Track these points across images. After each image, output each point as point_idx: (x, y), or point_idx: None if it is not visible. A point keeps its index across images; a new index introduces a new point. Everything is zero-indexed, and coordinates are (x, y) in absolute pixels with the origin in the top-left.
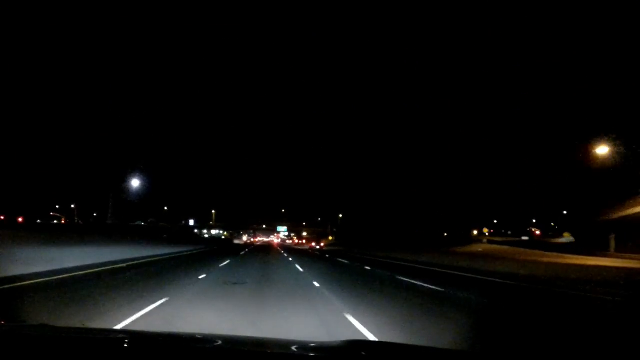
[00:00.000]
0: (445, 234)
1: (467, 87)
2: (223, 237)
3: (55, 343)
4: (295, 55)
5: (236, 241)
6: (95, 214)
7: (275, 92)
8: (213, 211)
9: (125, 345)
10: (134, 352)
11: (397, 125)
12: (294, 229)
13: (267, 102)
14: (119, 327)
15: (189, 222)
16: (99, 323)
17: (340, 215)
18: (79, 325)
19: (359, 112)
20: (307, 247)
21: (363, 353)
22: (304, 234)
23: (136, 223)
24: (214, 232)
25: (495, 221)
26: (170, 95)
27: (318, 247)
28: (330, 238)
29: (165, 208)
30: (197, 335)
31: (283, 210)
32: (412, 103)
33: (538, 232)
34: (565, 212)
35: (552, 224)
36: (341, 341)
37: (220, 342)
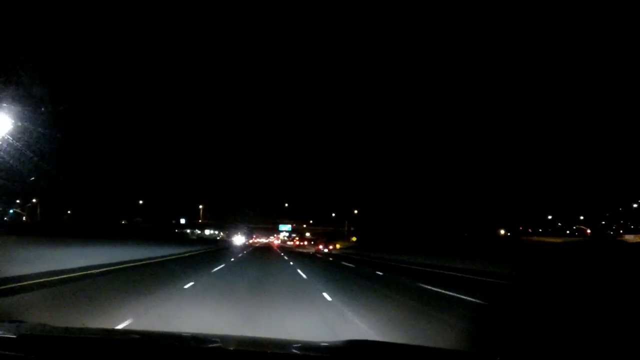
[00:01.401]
0: (465, 234)
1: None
2: (219, 238)
3: (55, 343)
4: (297, 44)
5: (234, 242)
6: (69, 211)
7: (276, 77)
8: (201, 206)
9: (125, 345)
10: (134, 351)
11: (416, 115)
12: (299, 228)
13: (268, 87)
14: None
15: (179, 221)
16: None
17: (356, 212)
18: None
19: (373, 99)
20: (312, 250)
21: (365, 353)
22: (307, 234)
23: (121, 222)
24: (207, 232)
25: (550, 216)
26: (159, 82)
27: (326, 249)
28: (354, 239)
29: (141, 202)
30: (197, 335)
31: (286, 205)
32: (433, 92)
33: (589, 230)
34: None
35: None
36: (343, 341)
37: (220, 342)
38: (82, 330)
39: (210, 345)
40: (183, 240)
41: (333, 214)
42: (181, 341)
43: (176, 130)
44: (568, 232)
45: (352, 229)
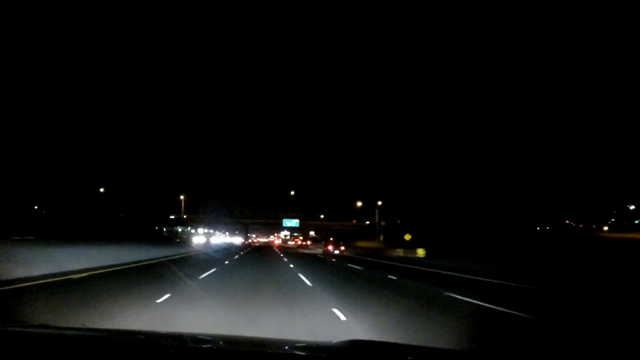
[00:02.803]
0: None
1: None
2: (211, 239)
3: (56, 343)
4: (314, 20)
5: (234, 242)
6: (37, 208)
7: (280, 51)
8: (182, 196)
9: (126, 345)
10: (134, 351)
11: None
12: (307, 224)
13: (269, 59)
14: (119, 327)
15: (168, 217)
16: None
17: (380, 203)
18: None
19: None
20: (318, 251)
21: (365, 353)
22: (312, 232)
23: (101, 219)
24: (201, 230)
25: (634, 207)
26: (145, 66)
27: (337, 251)
28: (407, 237)
29: (127, 197)
30: (197, 335)
31: (292, 193)
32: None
33: None
34: None
35: None
36: (342, 341)
37: (220, 342)
38: (82, 330)
39: (210, 346)
40: (158, 240)
41: (359, 203)
42: (181, 341)
43: (165, 114)
44: (605, 227)
45: (382, 223)
